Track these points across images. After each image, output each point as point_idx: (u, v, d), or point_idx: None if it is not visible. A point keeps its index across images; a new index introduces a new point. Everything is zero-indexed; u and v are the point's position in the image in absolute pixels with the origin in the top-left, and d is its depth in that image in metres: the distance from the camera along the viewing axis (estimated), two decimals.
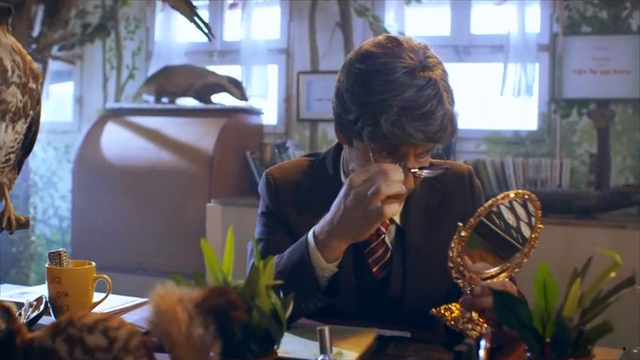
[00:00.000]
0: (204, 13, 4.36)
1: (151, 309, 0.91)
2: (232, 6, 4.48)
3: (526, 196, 1.32)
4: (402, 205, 1.56)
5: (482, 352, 1.00)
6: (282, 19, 4.38)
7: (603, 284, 1.06)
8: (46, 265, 1.55)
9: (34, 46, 3.92)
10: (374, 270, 1.60)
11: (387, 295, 1.59)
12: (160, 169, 3.93)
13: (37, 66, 1.30)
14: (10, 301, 1.17)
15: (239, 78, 4.25)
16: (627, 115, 3.71)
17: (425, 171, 1.46)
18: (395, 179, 1.38)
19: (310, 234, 1.47)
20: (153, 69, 4.48)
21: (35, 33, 3.99)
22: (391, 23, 4.01)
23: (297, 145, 4.21)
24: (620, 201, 3.32)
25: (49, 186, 4.88)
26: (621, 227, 3.16)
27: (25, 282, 3.98)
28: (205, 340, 0.91)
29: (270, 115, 4.39)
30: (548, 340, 1.05)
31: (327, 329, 1.15)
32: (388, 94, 1.39)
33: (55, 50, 4.35)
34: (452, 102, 1.43)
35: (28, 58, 1.28)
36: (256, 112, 4.30)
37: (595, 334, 1.04)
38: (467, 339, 0.97)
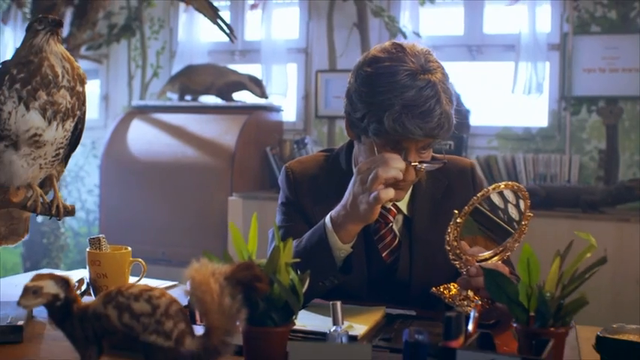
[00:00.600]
0: (225, 14, 4.45)
1: (188, 281, 1.06)
2: (253, 7, 4.60)
3: (515, 187, 1.45)
4: (405, 193, 1.70)
5: (471, 323, 1.15)
6: (301, 19, 4.48)
7: (581, 264, 1.20)
8: (87, 250, 1.71)
9: (64, 46, 4.06)
10: (383, 255, 1.74)
11: (396, 278, 1.73)
12: (183, 164, 4.05)
13: (83, 71, 1.46)
14: None
15: (259, 76, 4.35)
16: (635, 112, 3.80)
17: (425, 164, 1.60)
18: (393, 166, 1.52)
19: (327, 218, 1.62)
20: (176, 68, 4.59)
21: (65, 34, 4.15)
22: (406, 23, 4.09)
23: (315, 141, 4.28)
24: (625, 195, 3.39)
25: (77, 180, 5.04)
26: (625, 221, 3.24)
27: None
28: (234, 308, 1.06)
29: (289, 112, 4.48)
30: (532, 314, 1.19)
31: (339, 303, 1.29)
32: (391, 94, 1.54)
33: (83, 50, 4.50)
34: (450, 102, 1.57)
35: (76, 64, 1.44)
36: (276, 110, 4.37)
37: (573, 307, 1.17)
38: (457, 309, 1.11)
